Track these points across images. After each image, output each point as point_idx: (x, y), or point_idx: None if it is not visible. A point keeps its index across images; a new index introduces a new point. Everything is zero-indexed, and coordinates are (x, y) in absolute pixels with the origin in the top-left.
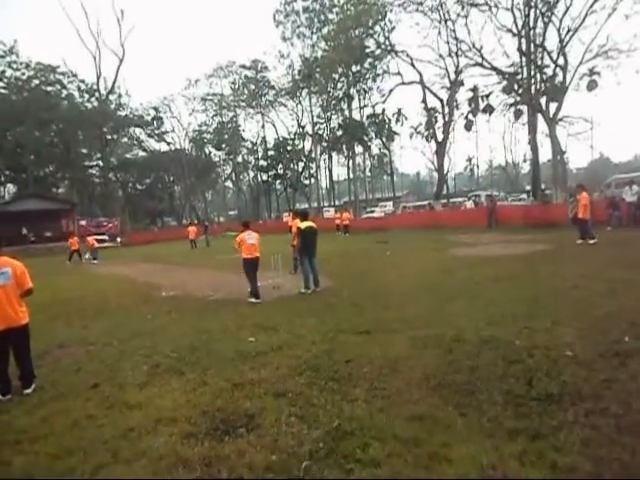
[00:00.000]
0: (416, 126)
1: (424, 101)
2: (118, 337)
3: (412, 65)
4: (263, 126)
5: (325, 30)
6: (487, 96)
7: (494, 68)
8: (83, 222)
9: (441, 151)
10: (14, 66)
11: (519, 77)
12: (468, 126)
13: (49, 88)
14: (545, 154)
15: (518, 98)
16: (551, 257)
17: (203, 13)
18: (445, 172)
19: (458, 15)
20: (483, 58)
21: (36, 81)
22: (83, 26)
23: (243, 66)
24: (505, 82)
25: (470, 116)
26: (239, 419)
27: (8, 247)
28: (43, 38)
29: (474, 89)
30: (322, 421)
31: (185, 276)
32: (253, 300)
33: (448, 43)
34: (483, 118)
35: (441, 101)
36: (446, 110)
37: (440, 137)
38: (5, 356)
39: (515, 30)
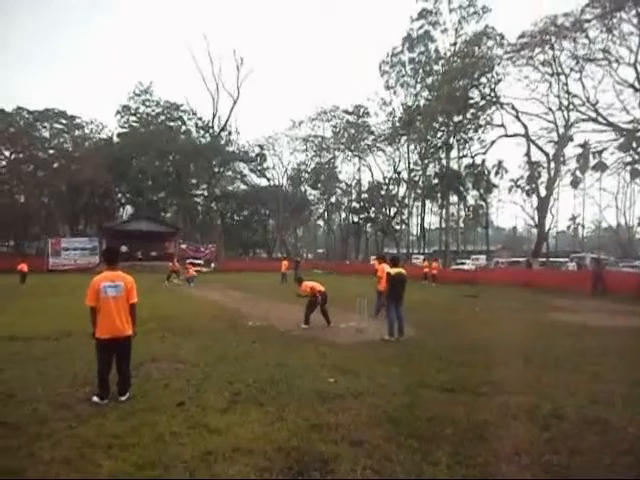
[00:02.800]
0: (516, 179)
1: (528, 154)
2: (204, 359)
3: (517, 118)
4: (359, 169)
5: (429, 80)
6: (600, 153)
7: (610, 124)
8: (184, 246)
9: (543, 207)
10: (147, 103)
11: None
12: (575, 183)
13: (171, 123)
14: None
15: (637, 157)
16: None
17: (312, 60)
18: (546, 229)
19: (572, 69)
20: (598, 113)
21: (162, 117)
22: (207, 70)
23: (346, 111)
24: (622, 139)
25: (578, 173)
26: (313, 462)
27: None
28: (172, 78)
29: (584, 145)
30: None
31: (271, 308)
32: (304, 326)
33: (559, 97)
34: (592, 175)
35: (547, 155)
36: (552, 165)
37: (543, 192)
38: (109, 363)
39: (638, 85)
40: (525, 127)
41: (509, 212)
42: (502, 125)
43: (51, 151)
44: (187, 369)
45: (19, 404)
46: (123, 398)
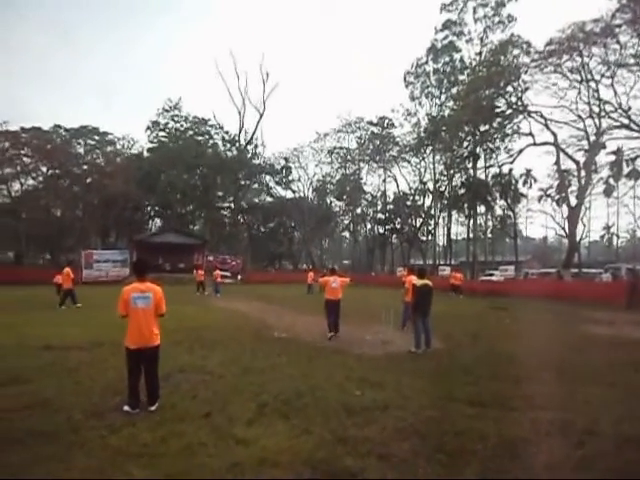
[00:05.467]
0: (546, 189)
1: (557, 163)
2: (231, 370)
3: (546, 126)
4: (384, 180)
5: (454, 90)
6: (633, 160)
7: None
8: (211, 258)
9: (574, 217)
10: (176, 119)
11: None
12: (608, 191)
13: (199, 138)
14: None
15: None
16: None
17: (337, 72)
18: (577, 240)
19: (602, 75)
20: (631, 120)
21: (190, 132)
22: (233, 85)
23: (370, 122)
24: None
25: (611, 181)
26: (340, 476)
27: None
28: (200, 94)
29: (617, 152)
30: None
31: (297, 319)
32: (329, 334)
33: (589, 104)
34: (626, 184)
35: (577, 163)
36: (582, 173)
37: (574, 202)
38: (138, 373)
39: None
40: (554, 135)
41: (539, 222)
42: (530, 134)
43: (85, 166)
44: (214, 380)
45: (54, 413)
46: (152, 408)
